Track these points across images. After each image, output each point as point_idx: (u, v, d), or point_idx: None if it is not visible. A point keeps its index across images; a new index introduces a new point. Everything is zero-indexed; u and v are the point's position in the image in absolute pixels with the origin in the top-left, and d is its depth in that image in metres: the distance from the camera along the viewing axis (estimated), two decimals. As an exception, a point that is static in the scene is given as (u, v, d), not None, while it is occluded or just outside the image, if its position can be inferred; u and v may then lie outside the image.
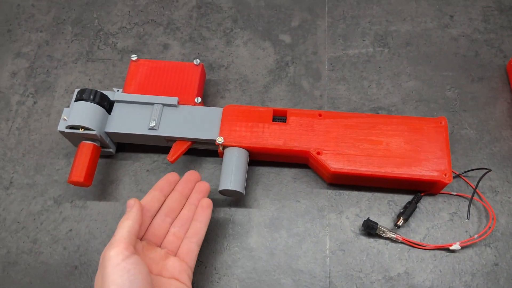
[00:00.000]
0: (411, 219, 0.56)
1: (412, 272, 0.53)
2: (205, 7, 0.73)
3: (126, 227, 0.43)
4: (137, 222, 0.44)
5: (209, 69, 0.67)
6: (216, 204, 0.57)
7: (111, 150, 0.59)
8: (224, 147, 0.56)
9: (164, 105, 0.57)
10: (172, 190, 0.52)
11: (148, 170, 0.60)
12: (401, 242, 0.55)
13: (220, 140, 0.55)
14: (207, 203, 0.51)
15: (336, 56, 0.68)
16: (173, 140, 0.56)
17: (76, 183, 0.53)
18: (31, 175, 0.60)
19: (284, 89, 0.65)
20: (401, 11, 0.72)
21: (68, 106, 0.63)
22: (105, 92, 0.57)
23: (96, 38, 0.71)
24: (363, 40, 0.69)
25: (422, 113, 0.63)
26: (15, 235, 0.56)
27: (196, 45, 0.70)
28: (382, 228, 0.54)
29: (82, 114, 0.54)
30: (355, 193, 0.58)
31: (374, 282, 0.53)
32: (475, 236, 0.54)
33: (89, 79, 0.67)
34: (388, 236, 0.54)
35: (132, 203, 0.46)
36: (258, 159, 0.58)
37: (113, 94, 0.58)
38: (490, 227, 0.54)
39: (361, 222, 0.56)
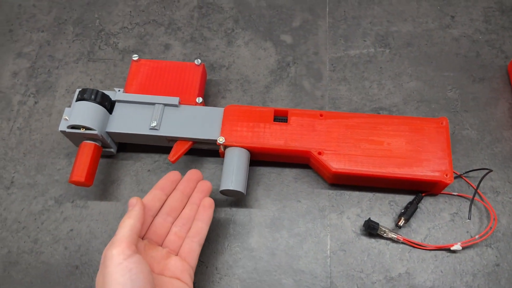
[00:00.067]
0: (412, 220, 0.56)
1: (413, 272, 0.53)
2: (206, 7, 0.73)
3: (128, 226, 0.43)
4: (139, 221, 0.44)
5: (210, 69, 0.67)
6: (217, 204, 0.57)
7: (112, 150, 0.59)
8: (225, 147, 0.56)
9: (165, 105, 0.57)
10: (174, 189, 0.51)
11: (149, 170, 0.60)
12: (402, 243, 0.54)
13: (221, 140, 0.55)
14: (209, 203, 0.51)
15: (337, 57, 0.68)
16: (174, 140, 0.56)
17: (77, 183, 0.53)
18: (32, 175, 0.60)
19: (285, 89, 0.65)
20: (402, 12, 0.72)
21: (69, 106, 0.63)
22: (106, 92, 0.57)
23: (97, 38, 0.71)
24: (364, 41, 0.69)
25: (423, 113, 0.63)
26: (16, 235, 0.56)
27: (197, 45, 0.70)
28: (383, 229, 0.54)
29: (83, 114, 0.54)
30: (356, 193, 0.58)
31: (375, 282, 0.53)
32: (476, 236, 0.54)
33: (90, 79, 0.67)
34: (389, 236, 0.54)
35: (134, 201, 0.45)
36: (259, 159, 0.58)
37: (114, 94, 0.58)
38: (491, 228, 0.54)
39: (362, 222, 0.56)
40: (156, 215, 0.49)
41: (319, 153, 0.54)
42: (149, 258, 0.45)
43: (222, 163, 0.58)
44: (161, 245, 0.48)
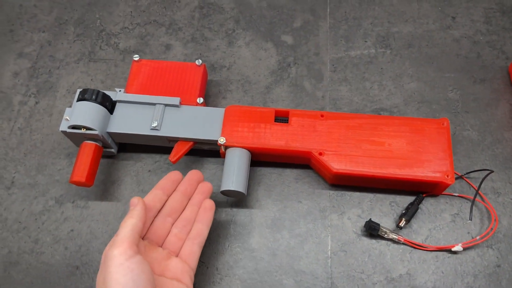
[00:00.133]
0: (413, 220, 0.56)
1: (414, 273, 0.53)
2: (207, 7, 0.73)
3: (129, 225, 0.43)
4: (140, 221, 0.44)
5: (211, 70, 0.67)
6: (218, 204, 0.57)
7: (113, 150, 0.59)
8: (226, 147, 0.56)
9: (166, 105, 0.57)
10: (175, 189, 0.51)
11: (149, 171, 0.60)
12: (403, 243, 0.54)
13: (222, 140, 0.55)
14: (210, 205, 0.51)
15: (338, 57, 0.68)
16: (175, 140, 0.56)
17: (78, 183, 0.53)
18: (33, 175, 0.60)
19: (286, 90, 0.65)
20: (403, 13, 0.72)
21: (70, 106, 0.63)
22: (107, 92, 0.57)
23: (98, 38, 0.71)
24: (365, 41, 0.69)
25: (424, 114, 0.63)
26: (16, 235, 0.56)
27: (198, 45, 0.70)
28: (384, 229, 0.54)
29: (84, 114, 0.54)
30: (357, 194, 0.58)
31: (376, 283, 0.53)
32: (477, 237, 0.54)
33: (91, 79, 0.67)
34: (390, 237, 0.54)
35: (136, 201, 0.45)
36: (260, 159, 0.58)
37: (115, 94, 0.58)
38: (492, 229, 0.54)
39: (363, 223, 0.55)
40: (156, 215, 0.49)
41: (320, 154, 0.54)
42: (149, 259, 0.45)
43: (222, 164, 0.58)
44: (161, 246, 0.48)
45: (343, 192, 0.58)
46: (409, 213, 0.55)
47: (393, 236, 0.54)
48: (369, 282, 0.53)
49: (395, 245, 0.55)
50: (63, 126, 0.55)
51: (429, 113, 0.63)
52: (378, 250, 0.54)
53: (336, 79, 0.66)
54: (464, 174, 0.58)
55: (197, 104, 0.58)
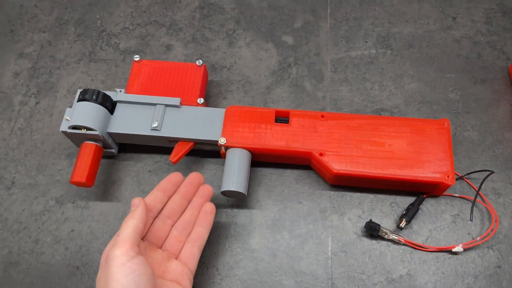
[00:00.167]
0: (413, 221, 0.56)
1: (414, 274, 0.53)
2: (208, 8, 0.73)
3: (131, 226, 0.42)
4: (142, 222, 0.44)
5: (212, 70, 0.67)
6: (218, 205, 0.57)
7: (113, 150, 0.59)
8: (227, 148, 0.56)
9: (166, 105, 0.57)
10: (175, 191, 0.51)
11: (150, 171, 0.60)
12: (404, 244, 0.54)
13: (222, 141, 0.55)
14: (211, 208, 0.51)
15: (338, 58, 0.68)
16: (175, 140, 0.56)
17: (78, 184, 0.53)
18: (33, 175, 0.60)
19: (286, 90, 0.65)
20: (404, 13, 0.72)
21: (70, 107, 0.63)
22: (107, 93, 0.57)
23: (98, 38, 0.71)
24: (366, 42, 0.69)
25: (424, 114, 0.63)
26: (16, 235, 0.56)
27: (199, 46, 0.70)
28: (385, 230, 0.54)
29: (84, 114, 0.54)
30: (358, 194, 0.58)
31: (376, 284, 0.53)
32: (478, 238, 0.54)
33: (92, 80, 0.67)
34: (391, 237, 0.54)
35: (137, 202, 0.45)
36: (260, 160, 0.58)
37: (116, 95, 0.58)
38: (492, 229, 0.54)
39: (363, 224, 0.55)
40: (156, 216, 0.49)
41: (321, 154, 0.54)
42: (150, 260, 0.45)
43: (223, 164, 0.58)
44: (160, 248, 0.48)
45: (343, 192, 0.58)
46: (410, 214, 0.55)
47: (393, 236, 0.54)
48: (370, 282, 0.53)
49: (396, 246, 0.55)
50: (64, 127, 0.55)
51: (429, 113, 0.63)
52: (379, 251, 0.54)
53: (336, 79, 0.66)
54: (465, 175, 0.58)
55: (198, 104, 0.58)
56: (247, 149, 0.55)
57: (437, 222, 0.56)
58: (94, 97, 0.55)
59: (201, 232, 0.49)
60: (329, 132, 0.56)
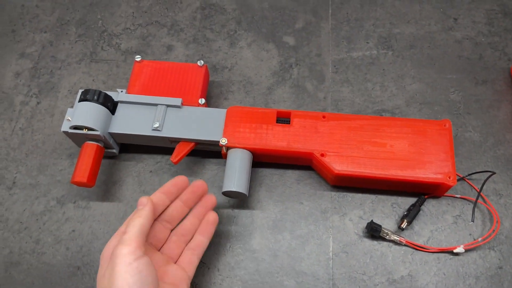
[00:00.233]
0: (414, 222, 0.56)
1: (415, 274, 0.53)
2: (209, 8, 0.73)
3: (138, 225, 0.42)
4: (149, 222, 0.43)
5: (213, 71, 0.67)
6: (219, 205, 0.57)
7: (114, 150, 0.59)
8: (228, 148, 0.56)
9: (168, 106, 0.57)
10: (179, 195, 0.50)
11: (151, 171, 0.60)
12: (405, 245, 0.54)
13: (223, 141, 0.55)
14: (213, 219, 0.50)
15: (340, 58, 0.68)
16: (176, 141, 0.56)
17: (79, 184, 0.53)
18: (34, 175, 0.60)
19: (287, 91, 0.65)
20: (405, 14, 0.72)
21: (71, 107, 0.63)
22: (109, 93, 0.57)
23: (100, 39, 0.71)
24: (367, 43, 0.69)
25: (426, 115, 0.63)
26: (17, 235, 0.56)
27: (200, 46, 0.70)
28: (386, 231, 0.54)
29: (86, 114, 0.54)
30: (359, 195, 0.58)
31: (378, 284, 0.53)
32: (479, 239, 0.54)
33: (93, 80, 0.67)
34: (392, 238, 0.54)
35: (145, 201, 0.44)
36: (261, 160, 0.58)
37: (117, 95, 0.58)
38: (494, 230, 0.54)
39: (365, 225, 0.55)
40: (156, 219, 0.48)
41: (322, 155, 0.54)
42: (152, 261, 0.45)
43: (224, 165, 0.58)
44: (158, 250, 0.48)
45: (344, 193, 0.58)
46: (411, 215, 0.55)
47: (394, 237, 0.54)
48: (371, 283, 0.53)
49: (397, 247, 0.55)
50: (65, 127, 0.55)
51: (431, 114, 0.63)
52: (380, 252, 0.54)
53: (337, 80, 0.66)
54: (466, 176, 0.58)
55: (199, 105, 0.58)
56: (248, 150, 0.55)
57: (438, 223, 0.56)
58: (95, 97, 0.55)
59: (202, 241, 0.49)
60: (330, 132, 0.56)
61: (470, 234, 0.55)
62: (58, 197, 0.59)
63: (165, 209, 0.49)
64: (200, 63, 0.60)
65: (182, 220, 0.50)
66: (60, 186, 0.59)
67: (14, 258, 0.55)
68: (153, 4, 0.74)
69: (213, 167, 0.60)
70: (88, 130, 0.54)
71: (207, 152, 0.60)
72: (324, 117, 0.57)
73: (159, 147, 0.59)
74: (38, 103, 0.65)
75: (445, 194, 0.57)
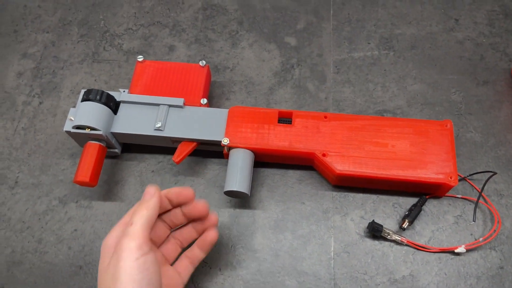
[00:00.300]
0: (416, 222, 0.56)
1: (417, 274, 0.53)
2: (211, 9, 0.73)
3: (145, 217, 0.40)
4: (155, 215, 0.42)
5: (215, 71, 0.67)
6: (221, 205, 0.58)
7: (116, 150, 0.59)
8: (230, 148, 0.56)
9: (170, 106, 0.57)
10: (180, 205, 0.47)
11: (153, 171, 0.60)
12: (406, 245, 0.54)
13: (225, 141, 0.55)
14: (211, 239, 0.48)
15: (341, 59, 0.68)
16: (178, 141, 0.57)
17: (81, 183, 0.53)
18: (37, 175, 0.60)
19: (289, 91, 0.66)
20: (406, 15, 0.72)
21: (74, 107, 0.63)
22: (111, 93, 0.57)
23: (102, 39, 0.71)
24: (368, 43, 0.69)
25: (427, 116, 0.63)
26: (20, 235, 0.57)
27: (202, 47, 0.70)
28: (387, 231, 0.54)
29: (88, 114, 0.54)
30: (360, 195, 0.58)
31: (379, 284, 0.53)
32: (480, 239, 0.54)
33: (95, 80, 0.67)
34: (393, 238, 0.54)
35: (153, 191, 0.42)
36: (263, 160, 0.58)
37: (119, 95, 0.58)
38: (495, 230, 0.54)
39: (366, 224, 0.56)
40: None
41: (323, 155, 0.54)
42: None
43: (226, 164, 0.58)
44: (157, 248, 0.47)
45: (346, 193, 0.58)
46: (412, 215, 0.55)
47: (396, 237, 0.54)
48: (372, 283, 0.53)
49: (398, 247, 0.55)
50: (68, 126, 0.55)
51: (432, 114, 0.63)
52: (381, 252, 0.54)
53: (339, 80, 0.66)
54: (467, 176, 0.58)
55: (201, 105, 0.58)
56: (250, 150, 0.55)
57: (439, 223, 0.56)
58: (98, 97, 0.55)
59: (199, 254, 0.48)
60: (332, 133, 0.56)
61: (471, 234, 0.55)
62: (60, 197, 0.59)
63: (166, 211, 0.48)
64: (202, 63, 0.60)
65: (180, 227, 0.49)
66: (62, 186, 0.59)
67: (17, 258, 0.55)
68: (155, 5, 0.74)
69: (214, 167, 0.60)
70: (90, 129, 0.54)
71: (209, 152, 0.60)
72: (325, 117, 0.57)
73: (161, 147, 0.59)
74: (40, 103, 0.66)
75: (447, 194, 0.57)
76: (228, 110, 0.57)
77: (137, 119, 0.56)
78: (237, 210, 0.57)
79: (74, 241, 0.56)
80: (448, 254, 0.54)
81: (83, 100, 0.55)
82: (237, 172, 0.53)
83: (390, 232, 0.54)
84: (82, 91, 0.56)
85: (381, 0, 0.73)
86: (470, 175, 0.58)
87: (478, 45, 0.69)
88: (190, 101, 0.58)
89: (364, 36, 0.70)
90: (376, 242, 0.55)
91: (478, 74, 0.66)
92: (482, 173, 0.58)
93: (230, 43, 0.70)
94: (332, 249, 0.55)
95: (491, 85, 0.65)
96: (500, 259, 0.54)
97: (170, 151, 0.58)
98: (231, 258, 0.54)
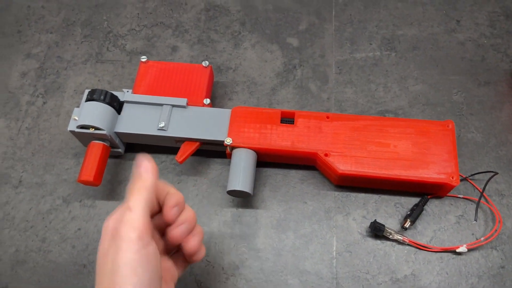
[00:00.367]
0: (418, 222, 0.56)
1: (418, 274, 0.53)
2: (214, 10, 0.74)
3: (143, 201, 0.37)
4: (153, 195, 0.38)
5: (217, 71, 0.68)
6: (224, 204, 0.58)
7: (120, 150, 0.59)
8: (232, 148, 0.56)
9: (173, 106, 0.58)
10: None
11: (156, 171, 0.60)
12: (408, 244, 0.55)
13: (228, 141, 0.55)
14: (199, 257, 0.43)
15: (343, 60, 0.69)
16: (181, 140, 0.57)
17: (85, 182, 0.53)
18: (40, 174, 0.61)
19: (291, 91, 0.66)
20: (408, 16, 0.72)
21: (77, 107, 0.63)
22: (115, 93, 0.57)
23: (105, 39, 0.71)
24: (370, 44, 0.70)
25: (429, 116, 0.63)
26: (24, 234, 0.57)
27: (205, 47, 0.70)
28: (389, 230, 0.54)
29: (92, 114, 0.55)
30: (362, 195, 0.58)
31: (381, 283, 0.53)
32: (482, 238, 0.54)
33: (98, 80, 0.68)
34: (395, 238, 0.54)
35: (149, 166, 0.38)
36: (265, 160, 0.59)
37: (123, 95, 0.58)
38: (496, 230, 0.55)
39: (368, 224, 0.56)
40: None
41: (326, 155, 0.55)
42: None
43: (228, 164, 0.58)
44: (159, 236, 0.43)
45: (348, 193, 0.58)
46: (414, 214, 0.55)
47: (398, 237, 0.54)
48: (374, 282, 0.53)
49: (400, 246, 0.55)
50: (72, 126, 0.55)
51: (433, 115, 0.63)
52: (383, 251, 0.55)
53: (341, 81, 0.67)
54: (469, 176, 0.58)
55: (204, 105, 0.59)
56: (252, 149, 0.56)
57: (441, 222, 0.56)
58: (102, 97, 0.55)
59: (175, 271, 0.44)
60: (334, 133, 0.56)
61: (472, 234, 0.56)
62: (64, 196, 0.59)
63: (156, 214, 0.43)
64: (205, 63, 0.61)
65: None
66: (66, 185, 0.60)
67: (21, 257, 0.56)
68: (158, 6, 0.75)
69: (217, 167, 0.61)
70: (94, 129, 0.54)
71: (211, 152, 0.60)
72: (328, 117, 0.57)
73: (164, 146, 0.60)
74: (44, 103, 0.66)
75: (448, 194, 0.57)
76: (231, 110, 0.58)
77: (140, 119, 0.57)
78: (240, 209, 0.58)
79: (77, 240, 0.56)
80: (449, 254, 0.54)
81: (87, 100, 0.56)
82: (240, 171, 0.54)
83: (392, 232, 0.54)
84: (86, 91, 0.57)
85: (383, 1, 0.74)
86: (472, 175, 0.58)
87: (479, 46, 0.69)
88: (193, 101, 0.59)
89: (366, 37, 0.71)
90: (378, 241, 0.55)
91: (479, 75, 0.67)
92: (483, 173, 0.58)
93: (232, 44, 0.70)
94: (334, 248, 0.55)
95: (493, 85, 0.66)
96: (501, 258, 0.54)
97: (173, 151, 0.58)
98: (234, 257, 0.55)
